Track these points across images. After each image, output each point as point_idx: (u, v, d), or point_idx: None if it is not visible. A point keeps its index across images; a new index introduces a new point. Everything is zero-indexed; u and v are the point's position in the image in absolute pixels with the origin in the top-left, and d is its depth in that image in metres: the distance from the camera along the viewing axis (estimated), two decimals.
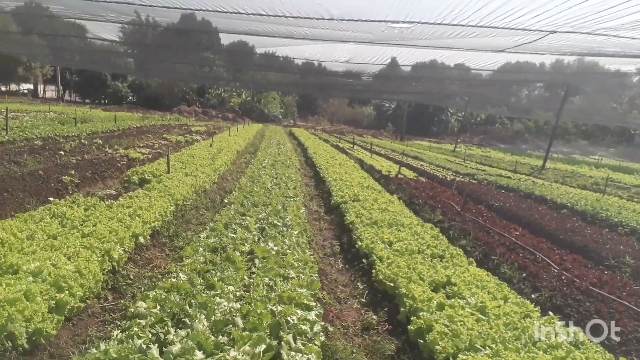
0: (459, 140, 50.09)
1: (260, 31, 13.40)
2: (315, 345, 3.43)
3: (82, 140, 16.05)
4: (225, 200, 8.66)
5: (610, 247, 8.03)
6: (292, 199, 9.31)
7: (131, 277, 5.17)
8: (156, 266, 5.73)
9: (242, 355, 2.99)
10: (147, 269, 5.61)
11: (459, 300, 4.48)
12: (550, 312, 4.58)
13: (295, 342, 3.38)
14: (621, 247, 8.12)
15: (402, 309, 4.49)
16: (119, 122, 26.47)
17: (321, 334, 3.69)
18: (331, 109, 78.11)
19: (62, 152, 12.83)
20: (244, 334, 3.31)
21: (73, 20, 25.85)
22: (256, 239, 6.28)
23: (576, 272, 6.34)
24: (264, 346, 3.21)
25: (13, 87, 60.27)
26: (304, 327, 3.65)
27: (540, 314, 4.49)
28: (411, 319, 4.13)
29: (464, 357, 3.36)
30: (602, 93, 39.13)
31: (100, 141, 16.05)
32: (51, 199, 7.71)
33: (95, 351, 2.95)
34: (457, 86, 40.46)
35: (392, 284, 5.09)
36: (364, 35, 12.81)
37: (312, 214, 9.53)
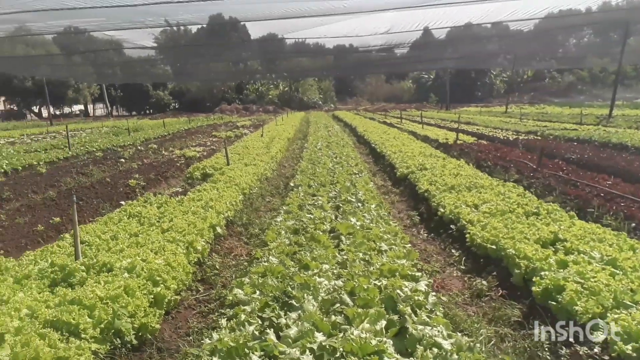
0: (508, 100, 47.57)
1: (298, 12, 13.00)
2: (439, 316, 3.08)
3: (138, 147, 16.45)
4: (291, 184, 8.43)
5: None
6: (357, 175, 8.96)
7: (217, 267, 5.03)
8: (237, 255, 5.58)
9: (365, 333, 2.69)
10: (230, 258, 5.46)
11: (582, 255, 3.97)
12: None
13: (416, 315, 3.04)
14: None
15: (516, 271, 4.03)
16: (168, 127, 27.09)
17: (439, 304, 3.33)
18: (369, 88, 76.50)
19: (122, 160, 13.15)
20: (358, 310, 3.01)
21: (110, 36, 26.84)
22: (333, 216, 5.98)
23: None
24: (384, 322, 2.89)
25: (66, 109, 63.70)
26: (418, 298, 3.31)
27: None
28: (533, 279, 3.67)
29: (616, 316, 2.88)
30: None
31: (155, 146, 16.37)
32: (122, 202, 7.80)
33: (209, 341, 2.75)
34: (497, 45, 38.32)
35: (493, 247, 4.63)
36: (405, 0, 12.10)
37: (380, 188, 9.13)
